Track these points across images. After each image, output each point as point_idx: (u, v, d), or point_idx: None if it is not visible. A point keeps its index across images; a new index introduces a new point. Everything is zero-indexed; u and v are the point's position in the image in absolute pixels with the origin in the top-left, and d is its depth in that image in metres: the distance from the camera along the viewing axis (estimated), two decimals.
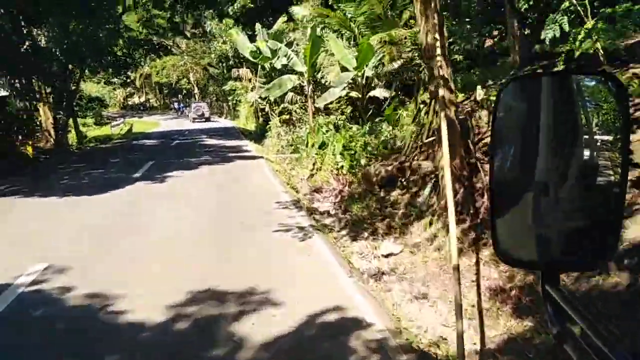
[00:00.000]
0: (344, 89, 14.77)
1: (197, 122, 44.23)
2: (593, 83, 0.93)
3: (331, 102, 16.27)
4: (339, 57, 14.76)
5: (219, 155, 17.05)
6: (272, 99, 19.13)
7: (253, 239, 6.89)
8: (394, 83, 15.29)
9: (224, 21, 32.91)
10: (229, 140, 24.44)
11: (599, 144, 0.88)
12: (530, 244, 0.91)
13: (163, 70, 56.45)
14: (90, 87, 53.37)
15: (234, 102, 48.08)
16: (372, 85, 15.51)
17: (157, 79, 62.45)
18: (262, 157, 16.70)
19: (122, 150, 21.82)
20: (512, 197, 0.92)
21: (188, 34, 36.31)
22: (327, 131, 15.11)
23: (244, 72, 22.24)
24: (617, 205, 0.87)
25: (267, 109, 21.50)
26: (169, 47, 29.88)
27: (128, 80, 76.24)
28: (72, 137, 28.59)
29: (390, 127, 12.90)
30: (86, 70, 29.12)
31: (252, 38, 21.27)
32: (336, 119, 15.97)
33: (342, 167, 12.65)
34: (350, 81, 14.87)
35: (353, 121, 15.65)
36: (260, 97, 20.97)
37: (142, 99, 78.35)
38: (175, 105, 68.47)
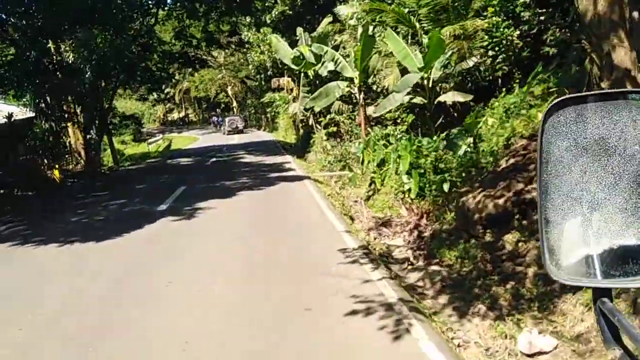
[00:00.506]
0: (408, 94, 12.13)
1: (231, 134, 45.39)
2: None
3: (389, 111, 13.68)
4: (400, 57, 12.17)
5: (259, 177, 14.68)
6: (317, 109, 16.67)
7: (315, 333, 4.33)
8: (467, 85, 12.57)
9: (261, 30, 30.92)
10: (269, 155, 22.18)
11: None
12: (582, 260, 0.90)
13: (201, 84, 55.18)
14: (128, 105, 52.60)
15: (272, 114, 46.34)
16: (440, 88, 12.84)
17: (195, 93, 61.41)
18: (307, 177, 14.24)
19: (154, 171, 19.87)
20: (564, 213, 0.91)
21: (224, 43, 34.51)
22: (385, 145, 12.54)
23: (285, 81, 19.97)
24: None
25: (310, 120, 19.10)
26: (205, 60, 27.95)
27: (165, 96, 76.16)
28: (107, 156, 27.13)
29: (470, 139, 10.22)
30: (119, 87, 27.60)
31: (292, 45, 19.00)
32: (395, 130, 13.37)
33: (409, 190, 10.05)
34: (414, 85, 12.22)
35: (414, 132, 13.02)
36: (304, 109, 18.60)
37: (182, 114, 77.77)
38: (214, 119, 67.30)
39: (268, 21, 28.67)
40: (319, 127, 18.96)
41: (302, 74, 18.30)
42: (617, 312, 0.82)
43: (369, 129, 15.05)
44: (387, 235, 8.87)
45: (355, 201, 11.78)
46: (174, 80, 66.59)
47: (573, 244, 0.91)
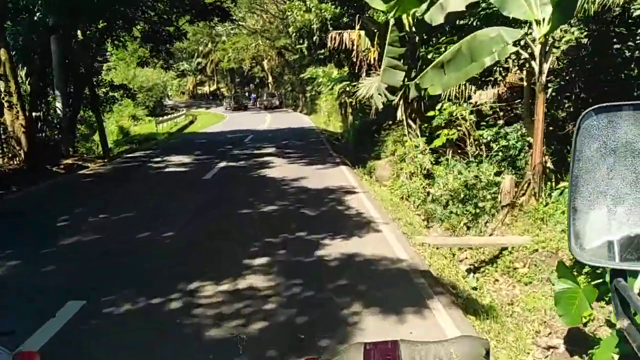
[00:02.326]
0: None
1: (265, 110, 44.18)
2: None
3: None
4: None
5: (302, 242, 6.03)
6: (434, 90, 7.62)
7: None
8: None
9: None
10: (313, 160, 13.35)
11: None
12: (603, 244, 0.98)
13: (232, 52, 46.25)
14: (149, 74, 44.27)
15: (313, 93, 37.42)
16: None
17: (226, 64, 52.58)
18: (415, 243, 5.44)
19: (125, 185, 11.22)
20: (591, 204, 1.00)
21: None
22: None
23: (355, 35, 10.71)
24: None
25: (399, 112, 10.01)
26: (227, 11, 18.98)
27: (197, 67, 67.66)
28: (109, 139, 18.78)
29: None
30: (105, 40, 19.00)
31: None
32: None
33: None
34: None
35: None
36: (385, 88, 9.48)
37: (213, 88, 69.35)
38: (246, 95, 58.61)
39: None
40: (414, 127, 9.85)
41: (390, 27, 9.11)
42: (628, 289, 0.92)
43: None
44: None
45: None
46: (201, 48, 58.16)
47: (596, 231, 1.01)
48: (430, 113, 8.77)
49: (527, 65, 7.67)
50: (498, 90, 10.67)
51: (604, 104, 1.01)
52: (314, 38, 23.71)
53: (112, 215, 7.61)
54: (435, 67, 7.23)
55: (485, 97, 10.61)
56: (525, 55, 6.88)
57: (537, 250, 6.49)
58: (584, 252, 1.01)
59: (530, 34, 6.64)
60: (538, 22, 6.36)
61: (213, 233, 6.55)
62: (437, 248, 6.53)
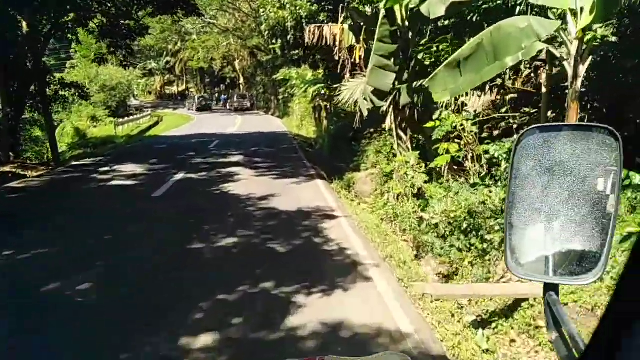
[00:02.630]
0: None
1: (234, 112, 43.28)
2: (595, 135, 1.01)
3: None
4: None
5: (266, 302, 4.45)
6: (442, 97, 6.09)
7: None
8: None
9: None
10: (284, 171, 11.74)
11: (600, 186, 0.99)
12: (538, 259, 1.01)
13: (202, 51, 44.08)
14: (112, 72, 41.77)
15: (286, 95, 35.85)
16: None
17: (195, 64, 50.36)
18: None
19: (54, 204, 9.31)
20: (526, 220, 1.03)
21: None
22: None
23: (338, 30, 9.05)
24: (609, 234, 0.97)
25: (388, 120, 8.47)
26: (195, 5, 17.09)
27: (165, 66, 64.97)
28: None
29: None
30: (55, 33, 16.94)
31: None
32: None
33: None
34: None
35: None
36: (372, 92, 7.92)
37: (182, 88, 66.83)
38: (216, 96, 56.52)
39: None
40: (404, 139, 8.30)
41: (380, 20, 7.55)
42: (558, 304, 0.95)
43: None
44: None
45: None
46: (170, 46, 55.55)
47: (531, 246, 1.03)
48: (430, 124, 7.24)
49: (546, 67, 6.25)
50: (496, 98, 9.29)
51: (541, 124, 1.08)
52: (288, 37, 22.11)
53: (17, 253, 5.80)
54: (450, 66, 5.69)
55: (473, 104, 9.21)
56: (556, 53, 5.43)
57: (566, 304, 5.04)
58: (520, 267, 1.04)
59: (565, 28, 5.21)
60: (574, 13, 4.93)
61: (139, 289, 4.79)
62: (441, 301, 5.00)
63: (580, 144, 1.00)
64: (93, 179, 11.26)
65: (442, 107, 7.74)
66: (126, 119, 30.56)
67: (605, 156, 0.97)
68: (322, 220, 7.22)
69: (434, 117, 7.39)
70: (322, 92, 23.99)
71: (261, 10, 26.39)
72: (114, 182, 10.57)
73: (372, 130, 11.82)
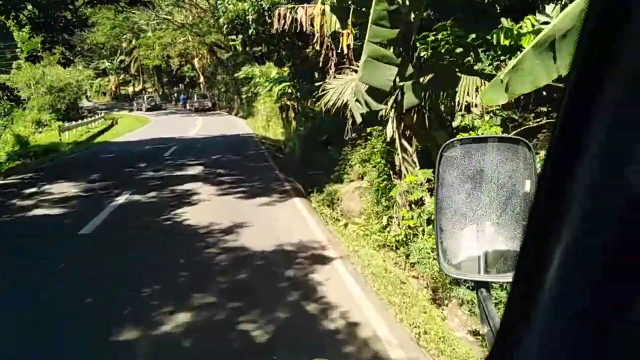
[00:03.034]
0: None
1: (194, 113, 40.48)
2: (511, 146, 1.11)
3: None
4: None
5: None
6: (498, 100, 4.16)
7: None
8: None
9: None
10: (253, 186, 9.73)
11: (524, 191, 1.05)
12: (468, 259, 1.06)
13: (159, 48, 41.08)
14: (60, 72, 38.36)
15: (249, 94, 33.61)
16: None
17: (149, 62, 47.22)
18: None
19: None
20: (454, 224, 1.09)
21: None
22: None
23: (314, 12, 6.98)
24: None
25: (389, 128, 6.54)
26: (143, 0, 14.59)
27: (119, 66, 61.05)
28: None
29: None
30: None
31: None
32: None
33: None
34: None
35: None
36: (367, 96, 6.00)
37: (139, 88, 63.19)
38: (175, 95, 53.52)
39: None
40: (410, 151, 6.36)
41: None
42: (487, 300, 1.00)
43: None
44: None
45: None
46: (125, 44, 51.80)
47: (461, 248, 1.08)
48: (463, 135, 5.38)
49: None
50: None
51: (460, 138, 1.18)
52: (250, 31, 19.95)
53: None
54: (540, 48, 3.68)
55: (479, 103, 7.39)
56: None
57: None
58: (452, 267, 1.09)
59: None
60: None
61: None
62: None
63: (497, 154, 1.09)
64: (10, 207, 8.81)
65: (459, 109, 5.88)
66: (74, 123, 27.51)
67: (520, 165, 1.05)
68: (312, 267, 5.23)
69: (455, 123, 5.53)
70: (289, 90, 21.97)
71: (219, 2, 24.17)
72: (34, 212, 8.18)
73: (354, 134, 9.90)
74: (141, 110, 44.71)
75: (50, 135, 26.41)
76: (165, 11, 40.04)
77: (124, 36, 46.23)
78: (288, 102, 22.23)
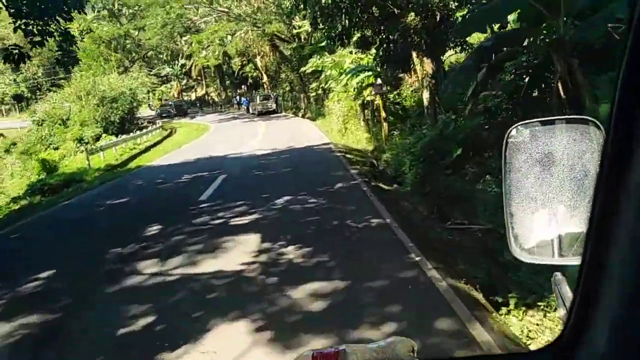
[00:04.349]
0: None
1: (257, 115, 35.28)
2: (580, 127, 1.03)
3: None
4: None
5: None
6: None
7: None
8: None
9: None
10: (365, 277, 3.47)
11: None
12: (540, 244, 1.03)
13: (214, 44, 35.95)
14: (112, 81, 34.29)
15: (319, 92, 27.55)
16: None
17: (202, 61, 42.38)
18: None
19: None
20: (524, 208, 1.05)
21: None
22: None
23: None
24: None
25: None
26: None
27: (181, 70, 57.31)
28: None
29: None
30: None
31: None
32: None
33: None
34: None
35: None
36: None
37: (201, 93, 59.35)
38: (237, 99, 48.58)
39: None
40: None
41: None
42: (562, 284, 0.99)
43: None
44: None
45: None
46: (185, 47, 47.15)
47: (532, 232, 1.05)
48: None
49: None
50: None
51: (526, 121, 1.09)
52: (327, 10, 13.84)
53: None
54: None
55: None
56: None
57: None
58: (524, 252, 1.07)
59: None
60: None
61: None
62: None
63: (563, 135, 1.05)
64: None
65: None
66: (113, 140, 22.60)
67: (591, 145, 1.00)
68: None
69: None
70: (379, 82, 15.61)
71: None
72: None
73: None
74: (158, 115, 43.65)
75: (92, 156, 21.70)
76: (224, 6, 34.99)
77: (177, 35, 41.41)
78: (377, 99, 15.96)
